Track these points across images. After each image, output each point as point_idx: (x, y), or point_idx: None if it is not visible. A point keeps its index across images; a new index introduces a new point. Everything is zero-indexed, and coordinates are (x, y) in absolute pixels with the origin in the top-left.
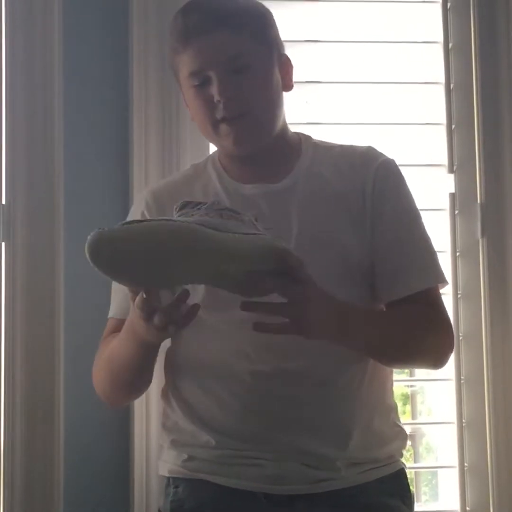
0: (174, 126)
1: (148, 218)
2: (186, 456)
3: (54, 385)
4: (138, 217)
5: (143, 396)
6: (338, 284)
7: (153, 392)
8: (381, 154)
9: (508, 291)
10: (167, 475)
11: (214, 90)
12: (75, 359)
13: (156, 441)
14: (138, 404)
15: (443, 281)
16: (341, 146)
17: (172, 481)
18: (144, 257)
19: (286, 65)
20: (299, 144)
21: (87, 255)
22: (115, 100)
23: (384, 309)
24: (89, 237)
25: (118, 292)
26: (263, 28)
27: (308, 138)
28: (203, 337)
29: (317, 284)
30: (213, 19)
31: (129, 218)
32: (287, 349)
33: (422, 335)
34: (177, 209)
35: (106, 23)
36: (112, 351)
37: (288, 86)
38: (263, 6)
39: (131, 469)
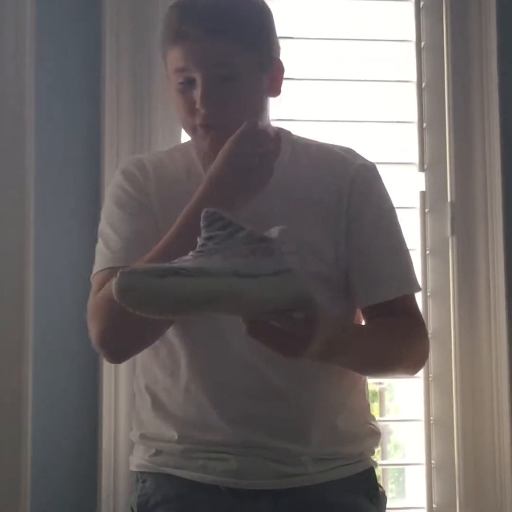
0: (146, 117)
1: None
2: (153, 451)
3: (21, 382)
4: (132, 170)
5: (112, 391)
6: None
7: (122, 387)
8: (360, 157)
9: (477, 289)
10: (135, 469)
11: (196, 96)
12: (44, 354)
13: (125, 438)
14: (107, 399)
15: (418, 290)
16: (320, 146)
17: (140, 476)
18: (172, 309)
19: (277, 71)
20: (279, 142)
21: (114, 293)
22: (87, 89)
23: (359, 311)
24: (122, 277)
25: (111, 242)
26: (258, 33)
27: (288, 134)
28: (174, 326)
29: (326, 319)
30: (205, 25)
31: (117, 178)
32: (251, 345)
33: (401, 348)
34: (205, 225)
35: (79, 8)
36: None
37: (276, 92)
38: (264, 4)
39: (99, 466)
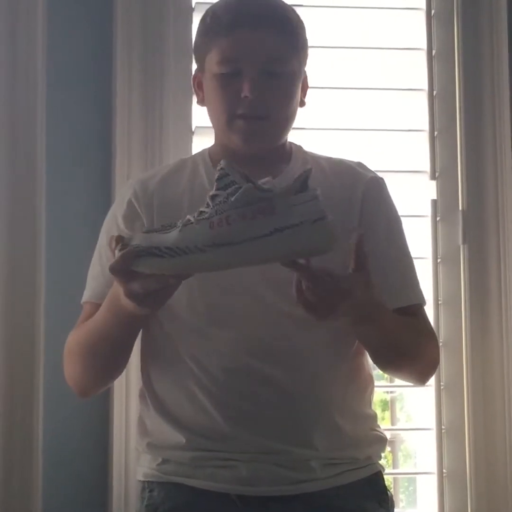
0: (157, 122)
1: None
2: (160, 460)
3: (33, 387)
4: (125, 205)
5: (123, 400)
6: None
7: (133, 396)
8: (370, 170)
9: (488, 298)
10: (142, 479)
11: (244, 85)
12: (56, 362)
13: (135, 446)
14: (118, 408)
15: (425, 302)
16: (330, 159)
17: (147, 485)
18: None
19: (305, 82)
20: (290, 152)
21: None
22: (98, 95)
23: None
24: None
25: (97, 277)
26: (303, 43)
27: (299, 148)
28: (178, 333)
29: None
30: (268, 17)
31: (116, 205)
32: (260, 349)
33: (420, 342)
34: (216, 179)
35: (90, 16)
36: (89, 328)
37: (302, 103)
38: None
39: (110, 475)
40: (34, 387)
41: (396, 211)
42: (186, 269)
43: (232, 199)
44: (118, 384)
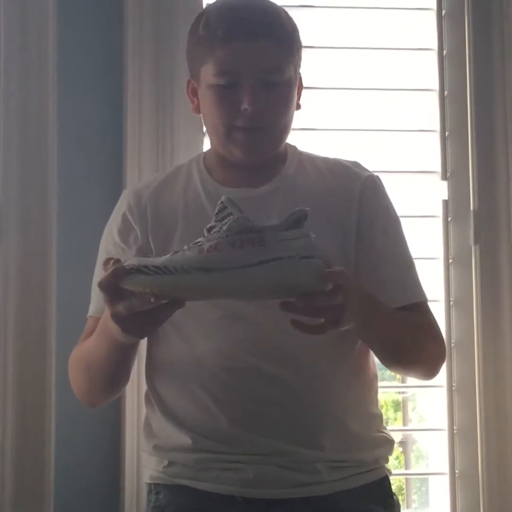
0: (168, 123)
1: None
2: (166, 462)
3: (45, 393)
4: (119, 219)
5: (135, 404)
6: None
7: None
8: (366, 169)
9: (500, 298)
10: (149, 481)
11: (244, 97)
12: (67, 366)
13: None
14: (129, 411)
15: (427, 300)
16: (326, 159)
17: (154, 488)
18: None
19: (300, 84)
20: (285, 153)
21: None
22: (109, 98)
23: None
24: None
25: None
26: (298, 47)
27: (294, 148)
28: (179, 335)
29: (349, 280)
30: (263, 25)
31: (112, 216)
32: (262, 348)
33: (423, 338)
34: (215, 213)
35: (101, 19)
36: (89, 347)
37: (299, 106)
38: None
39: (121, 477)
40: (46, 391)
41: (393, 210)
42: (169, 288)
43: (224, 228)
44: (130, 387)
